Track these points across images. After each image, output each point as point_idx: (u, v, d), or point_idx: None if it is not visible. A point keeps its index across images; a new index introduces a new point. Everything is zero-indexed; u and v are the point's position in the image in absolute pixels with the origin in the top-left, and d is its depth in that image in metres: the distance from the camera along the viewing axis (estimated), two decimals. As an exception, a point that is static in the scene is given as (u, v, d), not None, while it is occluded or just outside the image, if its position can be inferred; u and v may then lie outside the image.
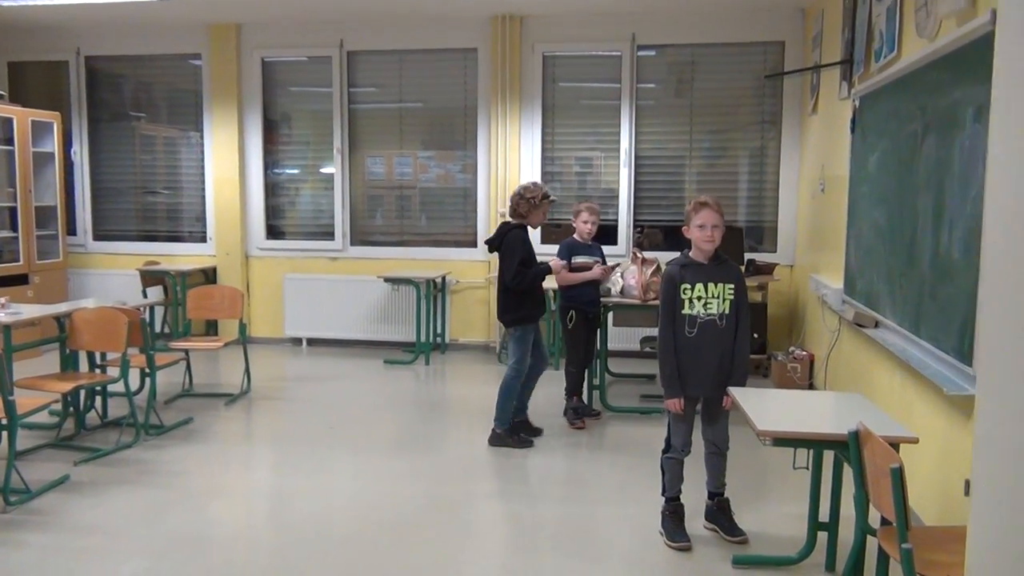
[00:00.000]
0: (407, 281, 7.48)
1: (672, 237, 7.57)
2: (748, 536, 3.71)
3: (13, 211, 7.54)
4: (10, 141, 7.48)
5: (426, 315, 7.58)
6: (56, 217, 7.98)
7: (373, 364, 7.47)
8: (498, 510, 4.17)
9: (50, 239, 7.95)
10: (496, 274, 5.16)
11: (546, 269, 5.07)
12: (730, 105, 7.58)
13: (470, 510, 4.13)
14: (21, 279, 7.52)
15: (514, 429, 5.12)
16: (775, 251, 7.48)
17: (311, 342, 8.26)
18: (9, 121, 7.48)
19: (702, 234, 3.65)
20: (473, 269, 7.99)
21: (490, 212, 7.85)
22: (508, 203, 5.15)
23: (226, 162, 8.21)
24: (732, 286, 3.66)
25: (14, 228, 7.54)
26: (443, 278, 7.84)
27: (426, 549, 3.63)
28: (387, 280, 7.54)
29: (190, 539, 3.71)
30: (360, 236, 8.29)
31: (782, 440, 2.99)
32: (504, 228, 5.07)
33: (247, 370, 6.35)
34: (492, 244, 5.09)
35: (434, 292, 7.74)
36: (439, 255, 8.06)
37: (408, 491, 4.33)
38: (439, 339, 7.94)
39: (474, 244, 8.02)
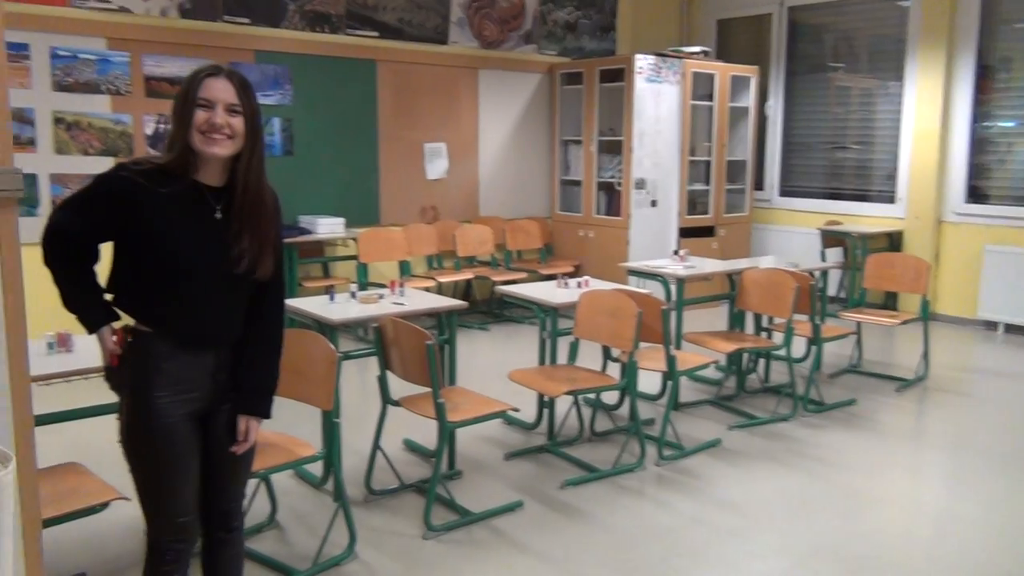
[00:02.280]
0: None
1: None
2: None
3: (707, 165, 7.85)
4: (710, 96, 7.75)
5: None
6: (745, 171, 8.09)
7: (1093, 368, 5.91)
8: None
9: (738, 193, 8.10)
10: None
11: None
12: None
13: None
14: (708, 231, 7.83)
15: None
16: None
17: (1010, 328, 6.92)
18: (711, 77, 7.74)
19: None
20: None
21: None
22: None
23: (927, 114, 7.27)
24: None
25: (707, 181, 7.86)
26: None
27: None
28: None
29: (834, 550, 3.24)
30: (1093, 204, 6.60)
31: None
32: None
33: (926, 353, 5.53)
34: None
35: None
36: None
37: None
38: None
39: None
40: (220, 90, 2.01)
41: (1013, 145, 7.06)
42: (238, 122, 2.03)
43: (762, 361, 5.39)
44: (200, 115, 1.99)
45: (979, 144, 7.18)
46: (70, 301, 2.07)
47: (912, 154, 7.41)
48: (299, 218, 6.41)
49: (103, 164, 5.52)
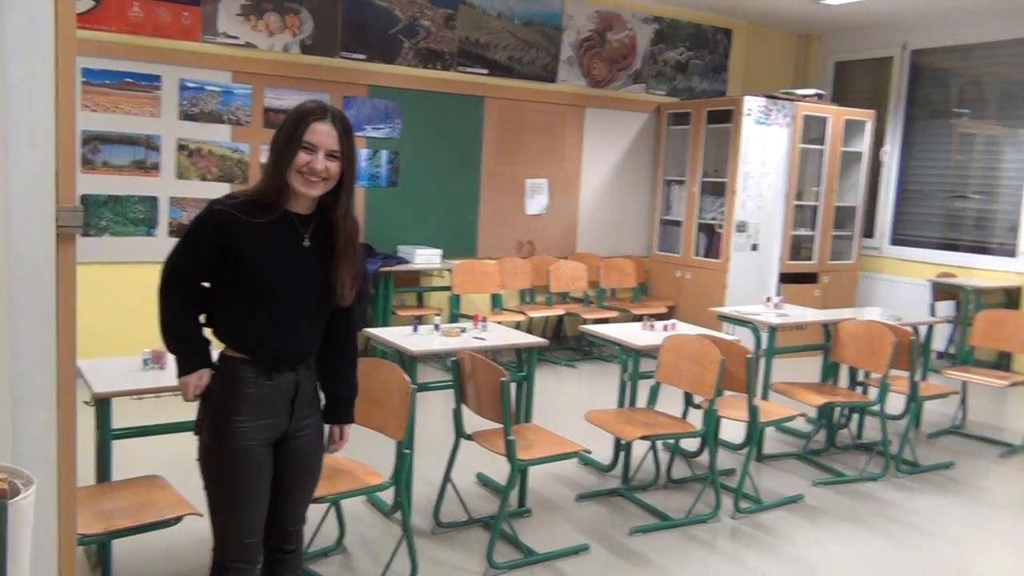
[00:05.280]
0: None
1: None
2: None
3: (814, 210, 7.65)
4: (822, 140, 7.57)
5: None
6: (855, 218, 7.84)
7: None
8: None
9: (845, 240, 7.85)
10: None
11: None
12: None
13: None
14: (811, 277, 7.62)
15: None
16: None
17: None
18: (824, 120, 7.56)
19: None
20: None
21: None
22: None
23: (1056, 164, 6.90)
24: None
25: (812, 227, 7.66)
26: None
27: None
28: None
29: (909, 622, 3.09)
30: None
31: None
32: None
33: (1037, 420, 5.22)
34: None
35: None
36: None
37: None
38: None
39: None
40: (325, 135, 2.12)
41: None
42: (335, 166, 2.15)
43: (855, 416, 5.20)
44: (302, 157, 2.11)
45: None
46: (172, 344, 2.22)
47: (1038, 206, 7.03)
48: (398, 248, 6.60)
49: (219, 189, 5.87)
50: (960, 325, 6.94)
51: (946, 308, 7.20)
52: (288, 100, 6.17)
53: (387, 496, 3.77)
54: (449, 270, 6.56)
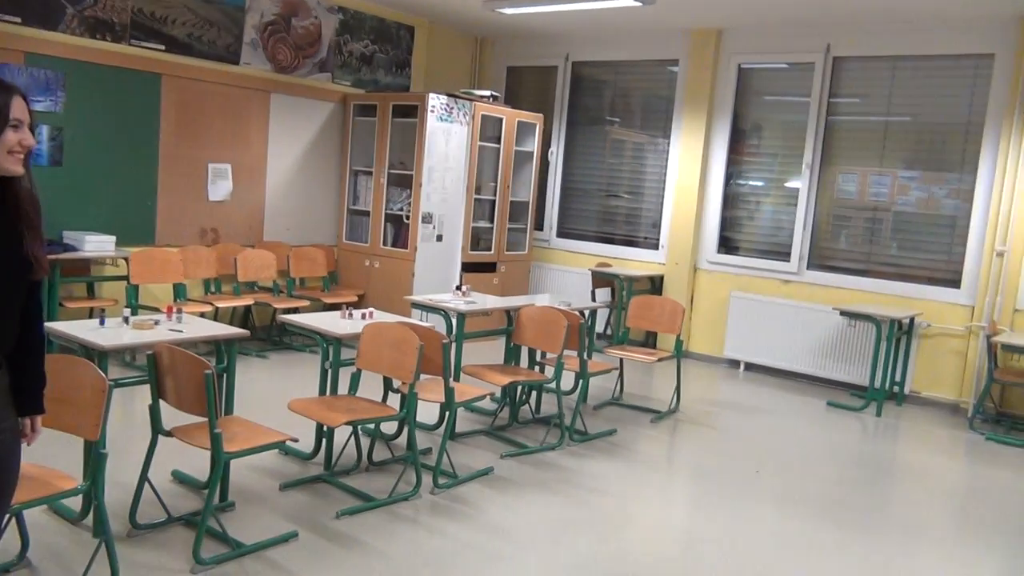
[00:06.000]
0: (867, 317, 6.60)
1: None
2: None
3: (492, 204, 8.20)
4: (498, 139, 8.12)
5: (884, 358, 6.62)
6: (527, 212, 8.52)
7: (814, 403, 6.75)
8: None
9: (519, 232, 8.51)
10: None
11: None
12: None
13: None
14: (490, 267, 8.17)
15: None
16: None
17: (750, 367, 7.76)
18: (499, 121, 8.11)
19: None
20: (950, 313, 6.80)
21: (984, 248, 6.59)
22: None
23: (688, 170, 8.04)
24: None
25: (491, 220, 8.20)
26: (911, 319, 6.79)
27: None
28: (843, 313, 6.74)
29: (591, 569, 3.52)
30: (818, 260, 7.55)
31: None
32: None
33: (678, 388, 6.09)
34: None
35: (897, 334, 6.73)
36: (909, 292, 6.99)
37: (835, 570, 3.68)
38: (897, 388, 6.91)
39: (956, 283, 6.82)
40: (24, 110, 2.02)
41: (760, 203, 7.95)
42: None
43: (534, 393, 5.70)
44: (12, 135, 1.98)
45: (731, 200, 8.03)
46: None
47: (674, 206, 8.14)
48: (63, 233, 6.01)
49: None
50: (616, 309, 7.86)
51: (604, 294, 8.10)
52: (-77, 62, 5.36)
53: (73, 503, 3.49)
54: (125, 258, 6.10)
